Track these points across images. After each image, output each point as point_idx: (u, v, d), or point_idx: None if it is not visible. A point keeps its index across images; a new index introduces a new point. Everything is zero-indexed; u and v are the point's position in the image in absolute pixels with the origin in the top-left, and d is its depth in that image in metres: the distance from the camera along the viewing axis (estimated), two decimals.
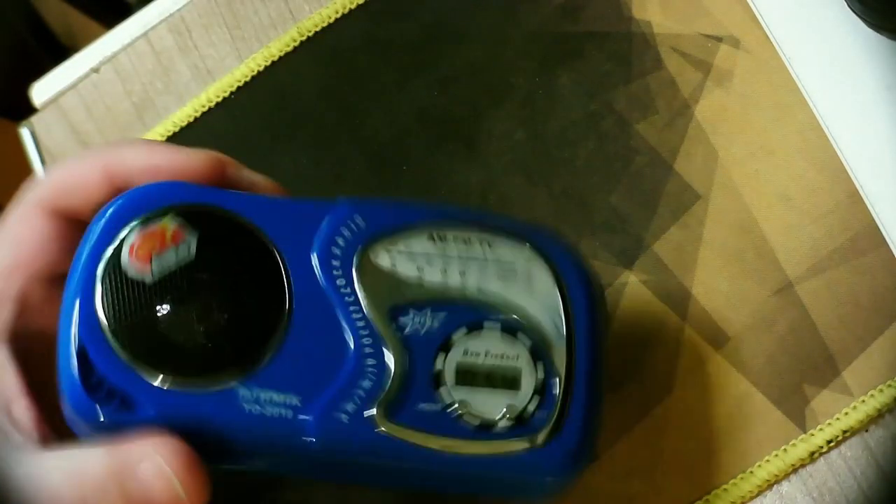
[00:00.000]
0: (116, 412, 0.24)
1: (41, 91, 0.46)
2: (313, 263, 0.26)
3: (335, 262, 0.26)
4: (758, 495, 0.35)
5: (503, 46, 0.41)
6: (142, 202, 0.27)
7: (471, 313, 0.26)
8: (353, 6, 0.42)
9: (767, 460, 0.35)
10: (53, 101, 0.46)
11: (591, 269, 0.29)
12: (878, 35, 0.36)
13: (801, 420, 0.35)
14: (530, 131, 0.40)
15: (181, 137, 0.43)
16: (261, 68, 0.43)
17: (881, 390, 0.35)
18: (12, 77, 0.80)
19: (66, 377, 0.25)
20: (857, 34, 0.36)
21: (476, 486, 0.27)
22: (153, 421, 0.24)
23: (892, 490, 0.34)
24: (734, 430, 0.36)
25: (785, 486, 0.35)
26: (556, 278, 0.27)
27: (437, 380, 0.25)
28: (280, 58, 0.43)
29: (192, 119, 0.43)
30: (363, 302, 0.25)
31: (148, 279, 0.25)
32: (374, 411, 0.25)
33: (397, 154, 0.41)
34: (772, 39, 0.38)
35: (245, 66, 0.43)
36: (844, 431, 0.35)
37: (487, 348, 0.26)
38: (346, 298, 0.25)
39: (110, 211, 0.26)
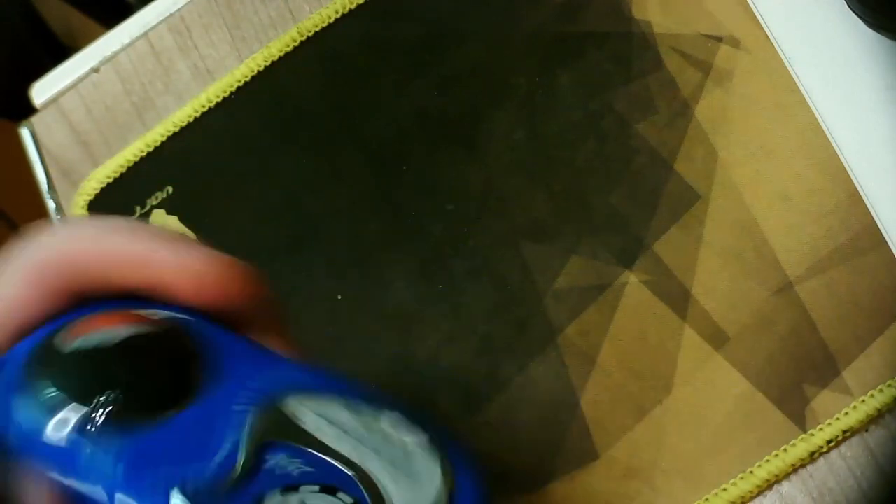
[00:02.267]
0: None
1: (41, 91, 0.46)
2: (230, 388, 0.26)
3: (247, 395, 0.26)
4: (758, 495, 0.35)
5: (503, 46, 0.41)
6: (105, 305, 0.27)
7: (334, 478, 0.25)
8: (353, 6, 0.42)
9: (767, 460, 0.35)
10: (53, 101, 0.46)
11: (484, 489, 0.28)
12: (878, 35, 0.36)
13: (801, 420, 0.35)
14: (530, 131, 0.40)
15: (181, 137, 0.43)
16: (261, 68, 0.43)
17: (881, 390, 0.35)
18: (12, 77, 0.80)
19: None
20: (857, 34, 0.36)
21: None
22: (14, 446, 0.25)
23: (892, 490, 0.34)
24: (734, 430, 0.36)
25: (785, 486, 0.35)
26: (445, 480, 0.26)
27: None
28: (280, 58, 0.43)
29: (191, 119, 0.43)
30: (246, 426, 0.25)
31: (64, 349, 0.25)
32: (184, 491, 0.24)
33: (397, 154, 0.41)
34: (772, 39, 0.38)
35: (245, 66, 0.43)
36: (844, 431, 0.35)
37: None
38: (236, 417, 0.25)
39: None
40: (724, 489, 0.35)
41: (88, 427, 0.24)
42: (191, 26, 0.44)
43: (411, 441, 0.26)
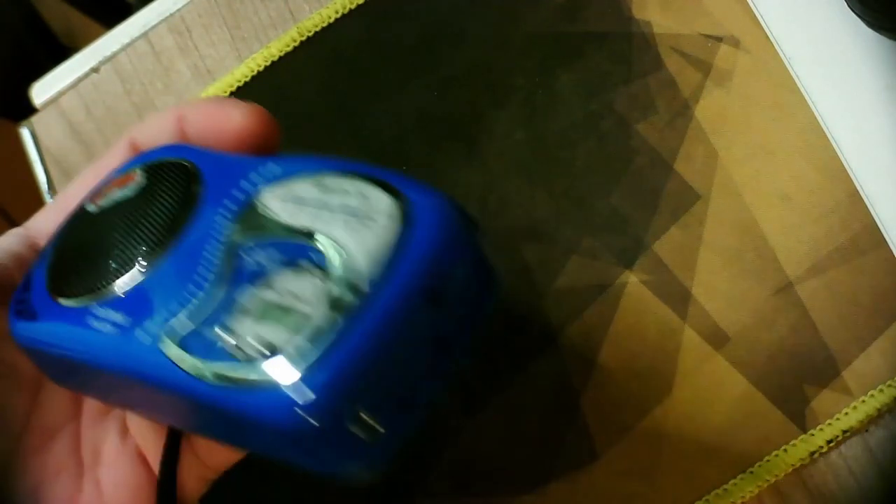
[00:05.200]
0: (24, 322, 0.27)
1: (41, 91, 0.46)
2: (218, 207, 0.27)
3: (230, 206, 0.27)
4: (758, 495, 0.35)
5: (503, 46, 0.41)
6: (142, 157, 0.29)
7: (296, 252, 0.25)
8: (353, 6, 0.42)
9: (767, 460, 0.35)
10: (53, 101, 0.46)
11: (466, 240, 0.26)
12: (878, 35, 0.36)
13: (801, 420, 0.35)
14: (530, 131, 0.40)
15: None
16: (261, 68, 0.43)
17: (881, 390, 0.35)
18: (12, 77, 0.80)
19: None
20: (857, 34, 0.36)
21: (237, 434, 0.26)
22: (39, 330, 0.27)
23: (892, 490, 0.34)
24: (734, 430, 0.36)
25: (785, 486, 0.35)
26: (397, 206, 0.25)
27: (230, 310, 0.25)
28: (280, 58, 0.43)
29: None
30: (224, 239, 0.26)
31: (91, 210, 0.28)
32: (165, 335, 0.25)
33: (397, 154, 0.41)
34: (772, 39, 0.38)
35: (245, 66, 0.43)
36: (844, 431, 0.35)
37: (299, 287, 0.24)
38: (217, 236, 0.26)
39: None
40: (724, 489, 0.35)
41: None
42: (191, 26, 0.44)
43: (369, 188, 0.25)
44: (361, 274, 0.24)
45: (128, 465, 0.29)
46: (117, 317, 0.26)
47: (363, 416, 0.23)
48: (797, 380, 0.35)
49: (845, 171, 0.36)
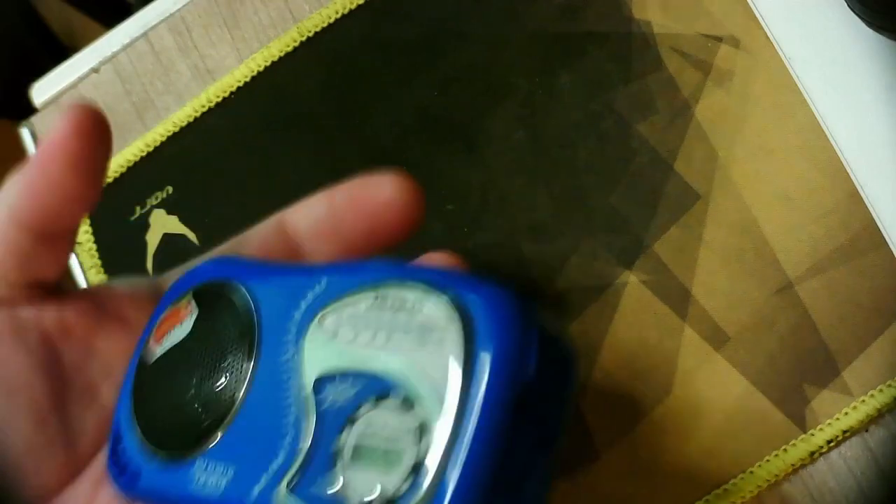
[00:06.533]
0: (127, 483, 0.26)
1: (41, 91, 0.46)
2: (282, 336, 0.26)
3: (292, 332, 0.26)
4: (758, 495, 0.35)
5: (503, 46, 0.41)
6: (185, 282, 0.28)
7: (380, 384, 0.24)
8: (353, 6, 0.42)
9: (767, 460, 0.35)
10: (53, 101, 0.46)
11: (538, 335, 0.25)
12: (878, 35, 0.36)
13: (801, 420, 0.35)
14: (530, 131, 0.40)
15: (181, 137, 0.43)
16: (261, 68, 0.43)
17: (881, 390, 0.35)
18: (12, 77, 0.80)
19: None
20: (857, 34, 0.36)
21: None
22: (146, 491, 0.26)
23: (892, 490, 0.34)
24: (734, 430, 0.36)
25: (785, 486, 0.35)
26: (465, 346, 0.24)
27: (334, 457, 0.24)
28: (280, 58, 0.43)
29: (192, 119, 0.43)
30: (298, 372, 0.25)
31: (150, 359, 0.27)
32: (278, 489, 0.24)
33: (397, 154, 0.41)
34: (772, 39, 0.38)
35: (245, 66, 0.43)
36: (844, 431, 0.35)
37: (384, 423, 0.24)
38: (289, 369, 0.25)
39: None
40: (724, 489, 0.35)
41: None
42: (191, 26, 0.44)
43: (430, 299, 0.24)
44: (444, 399, 0.23)
45: None
46: (218, 472, 0.25)
47: None
48: (797, 380, 0.35)
49: (845, 171, 0.36)
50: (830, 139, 0.37)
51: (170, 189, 0.43)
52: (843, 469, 0.35)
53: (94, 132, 0.28)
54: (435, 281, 0.25)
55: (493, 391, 0.23)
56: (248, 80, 0.43)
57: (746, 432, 0.35)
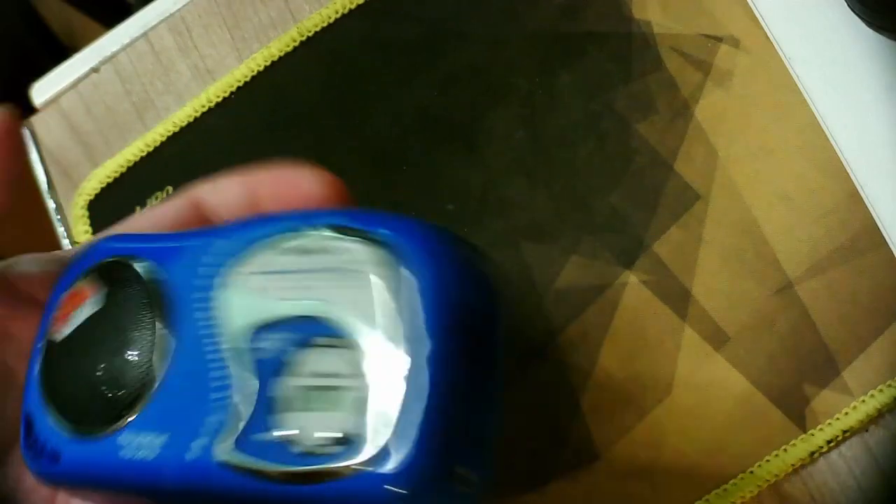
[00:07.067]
0: (46, 465, 0.26)
1: (41, 91, 0.46)
2: (192, 301, 0.25)
3: (207, 292, 0.25)
4: (758, 495, 0.35)
5: (503, 46, 0.41)
6: (84, 262, 0.27)
7: (311, 328, 0.24)
8: (353, 6, 0.42)
9: (767, 460, 0.35)
10: (53, 101, 0.46)
11: (471, 271, 0.25)
12: (878, 35, 0.36)
13: (801, 420, 0.35)
14: (530, 131, 0.40)
15: (181, 137, 0.43)
16: (261, 68, 0.43)
17: (881, 390, 0.35)
18: (12, 77, 0.80)
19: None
20: (857, 34, 0.36)
21: None
22: (70, 471, 0.25)
23: (892, 490, 0.34)
24: (734, 430, 0.36)
25: (785, 486, 0.35)
26: (389, 276, 0.24)
27: (276, 404, 0.24)
28: (280, 58, 0.43)
29: (192, 119, 0.43)
30: (223, 329, 0.25)
31: (58, 339, 0.26)
32: (217, 444, 0.24)
33: (397, 154, 0.41)
34: (772, 39, 0.38)
35: (245, 66, 0.43)
36: (844, 431, 0.35)
37: (322, 362, 0.23)
38: (209, 331, 0.25)
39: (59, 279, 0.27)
40: (724, 489, 0.35)
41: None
42: (191, 26, 0.44)
43: (339, 241, 0.24)
44: (388, 333, 0.23)
45: None
46: (149, 438, 0.25)
47: (459, 471, 0.23)
48: (797, 380, 0.35)
49: (845, 171, 0.36)
50: (830, 139, 0.37)
51: (170, 189, 0.43)
52: (843, 469, 0.35)
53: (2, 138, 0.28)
54: (344, 220, 0.25)
55: (425, 314, 0.23)
56: (248, 80, 0.43)
57: (746, 432, 0.35)
